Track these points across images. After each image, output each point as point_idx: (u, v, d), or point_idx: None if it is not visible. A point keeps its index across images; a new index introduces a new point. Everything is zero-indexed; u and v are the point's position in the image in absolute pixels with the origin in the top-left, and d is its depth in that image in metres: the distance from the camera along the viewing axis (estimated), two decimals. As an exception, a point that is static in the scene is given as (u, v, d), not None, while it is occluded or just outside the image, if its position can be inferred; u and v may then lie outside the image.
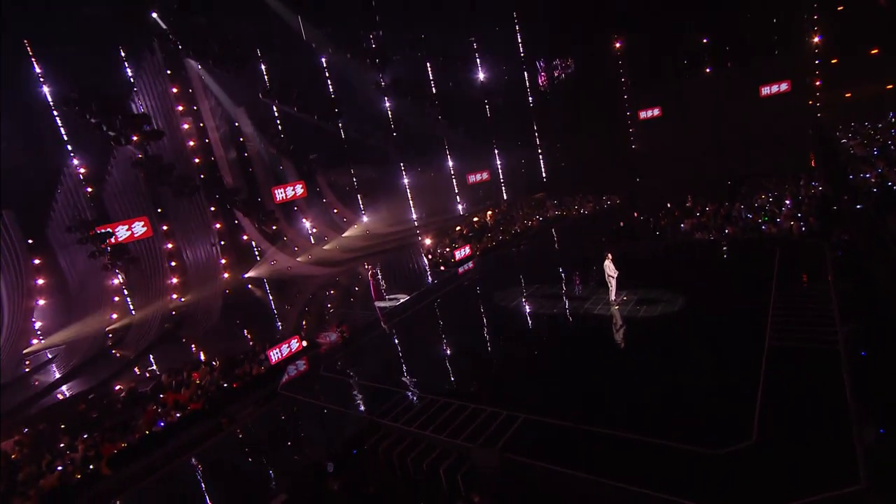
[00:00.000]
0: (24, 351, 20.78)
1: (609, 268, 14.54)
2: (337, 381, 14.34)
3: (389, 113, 34.80)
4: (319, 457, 10.55)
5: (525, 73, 40.95)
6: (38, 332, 21.90)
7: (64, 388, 18.80)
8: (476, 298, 19.41)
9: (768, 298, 12.51)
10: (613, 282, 14.66)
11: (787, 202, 20.70)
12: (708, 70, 36.88)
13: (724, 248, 18.53)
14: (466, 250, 24.75)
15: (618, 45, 38.88)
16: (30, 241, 21.46)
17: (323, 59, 30.52)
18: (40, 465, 12.40)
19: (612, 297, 14.77)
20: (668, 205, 24.93)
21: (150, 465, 12.12)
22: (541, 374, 11.99)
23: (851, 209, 18.55)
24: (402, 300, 20.15)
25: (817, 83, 33.92)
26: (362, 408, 12.23)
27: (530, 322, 15.51)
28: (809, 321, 11.10)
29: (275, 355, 16.06)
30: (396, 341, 16.79)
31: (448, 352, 15.09)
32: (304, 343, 17.31)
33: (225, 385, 15.17)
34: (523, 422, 9.82)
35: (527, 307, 16.66)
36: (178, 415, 13.95)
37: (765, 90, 34.35)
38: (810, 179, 23.61)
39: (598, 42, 38.40)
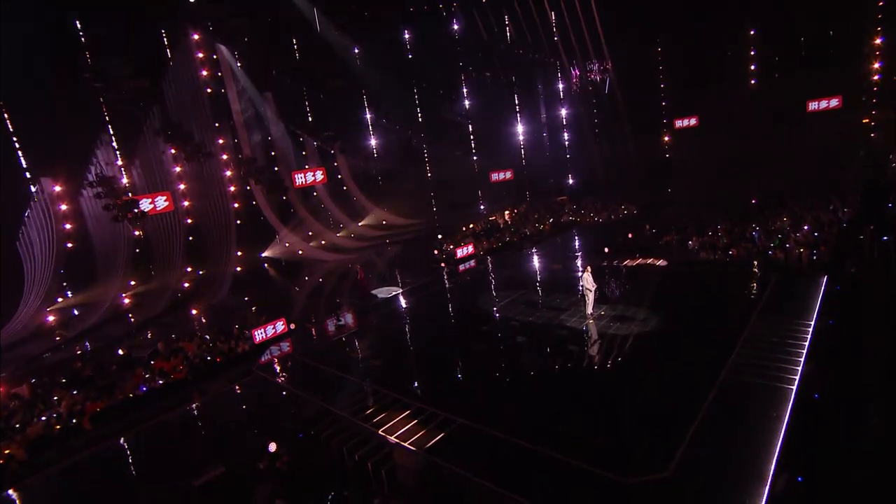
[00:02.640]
0: (49, 308, 22.60)
1: (587, 281, 14.28)
2: (310, 367, 14.82)
3: (416, 104, 35.05)
4: (270, 436, 11.03)
5: (559, 73, 40.12)
6: (65, 291, 23.75)
7: (78, 345, 20.36)
8: (464, 298, 19.44)
9: (744, 328, 11.99)
10: (591, 295, 14.39)
11: (806, 227, 19.51)
12: (753, 81, 34.94)
13: (723, 271, 17.74)
14: (469, 248, 24.76)
15: (659, 49, 37.43)
16: (63, 207, 23.18)
17: (346, 46, 30.93)
18: (33, 414, 13.58)
19: (589, 310, 14.51)
20: (683, 219, 23.97)
21: (125, 426, 13.01)
22: (495, 381, 11.98)
23: (873, 240, 17.29)
24: (392, 293, 20.45)
25: (874, 100, 31.47)
26: (321, 394, 12.59)
27: (505, 327, 15.35)
28: (776, 356, 10.58)
29: (259, 335, 16.78)
30: (376, 333, 17.06)
31: (418, 349, 15.21)
32: (293, 326, 17.94)
33: (209, 358, 15.98)
34: (458, 427, 9.93)
35: (507, 312, 16.52)
36: (160, 382, 14.87)
37: (812, 105, 32.10)
38: (842, 204, 22.10)
39: (639, 45, 37.02)
